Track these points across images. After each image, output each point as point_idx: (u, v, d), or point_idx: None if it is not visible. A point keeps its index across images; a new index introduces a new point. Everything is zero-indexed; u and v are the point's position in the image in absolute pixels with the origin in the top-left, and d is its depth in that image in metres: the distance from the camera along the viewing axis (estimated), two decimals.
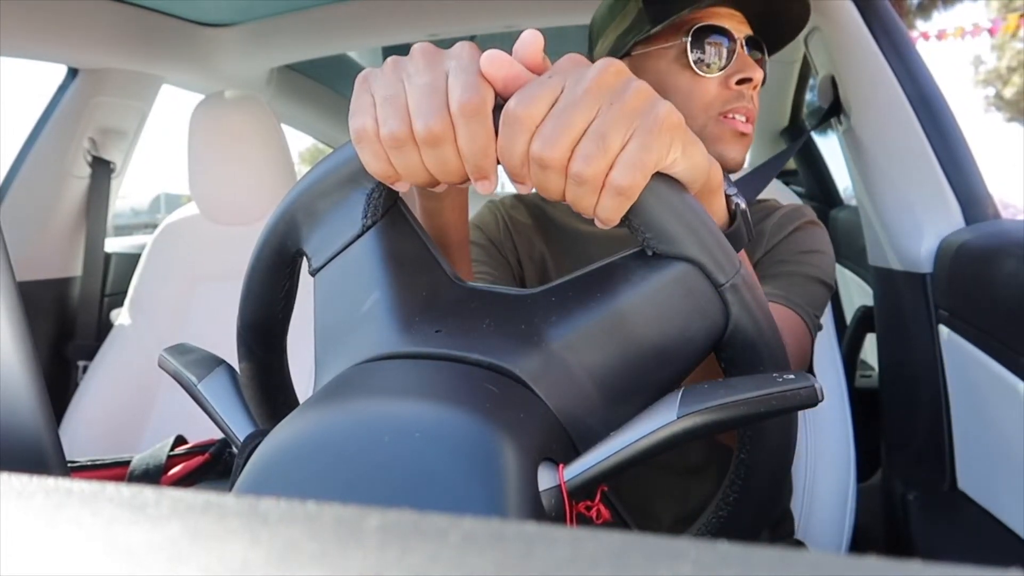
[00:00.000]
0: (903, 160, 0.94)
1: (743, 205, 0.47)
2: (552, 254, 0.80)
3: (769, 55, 0.75)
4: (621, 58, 0.74)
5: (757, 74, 0.69)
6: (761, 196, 0.89)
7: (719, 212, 0.45)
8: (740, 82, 0.69)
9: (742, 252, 0.47)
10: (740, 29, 0.71)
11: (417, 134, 0.35)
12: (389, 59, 0.38)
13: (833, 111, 1.08)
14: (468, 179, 0.37)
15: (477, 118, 0.34)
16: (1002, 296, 0.73)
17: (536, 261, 0.81)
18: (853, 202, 1.42)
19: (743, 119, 0.70)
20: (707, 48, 0.69)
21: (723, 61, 0.69)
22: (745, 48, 0.71)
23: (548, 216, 0.83)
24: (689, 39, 0.69)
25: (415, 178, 0.37)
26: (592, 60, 0.64)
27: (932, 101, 0.93)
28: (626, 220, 0.37)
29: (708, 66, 0.69)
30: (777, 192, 1.10)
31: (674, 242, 0.37)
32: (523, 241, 0.81)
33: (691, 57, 0.69)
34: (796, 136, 1.83)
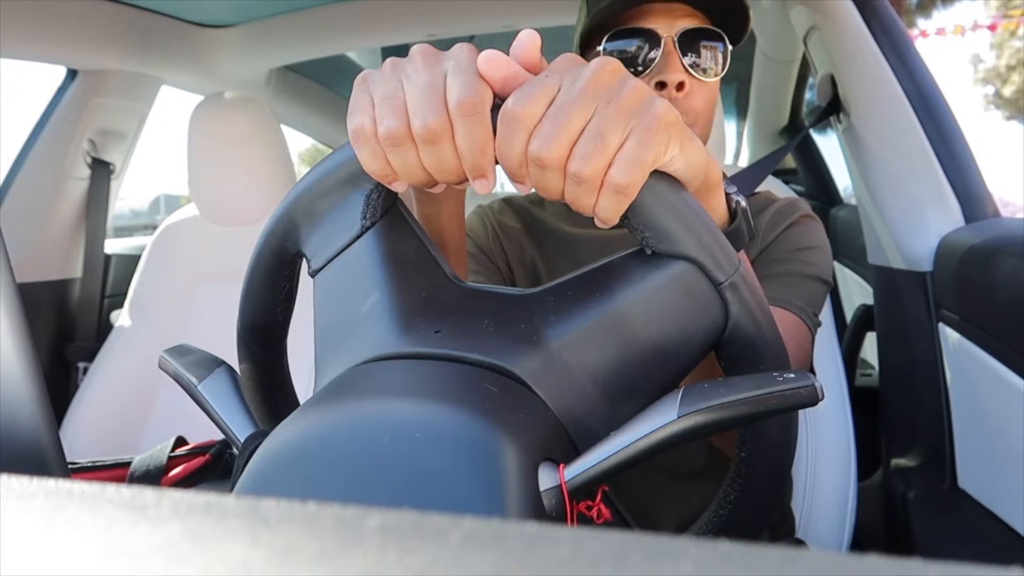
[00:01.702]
0: (903, 158, 0.94)
1: (743, 203, 0.47)
2: (542, 257, 0.79)
3: (735, 44, 0.68)
4: None
5: (672, 77, 0.63)
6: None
7: (719, 210, 0.45)
8: (659, 86, 0.64)
9: (741, 251, 0.47)
10: (674, 25, 0.64)
11: (415, 132, 0.35)
12: (388, 60, 0.38)
13: (832, 109, 1.08)
14: (466, 178, 0.37)
15: (475, 116, 0.34)
16: (1002, 294, 0.73)
17: (527, 265, 0.80)
18: (853, 201, 1.42)
19: None
20: (625, 55, 0.64)
21: (643, 66, 0.64)
22: (677, 46, 0.64)
23: (537, 219, 0.81)
24: (603, 47, 0.64)
25: (412, 177, 0.37)
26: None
27: (931, 99, 0.93)
28: (625, 219, 0.37)
29: None
30: (776, 191, 1.09)
31: (673, 241, 0.37)
32: (512, 246, 0.81)
33: None
34: (796, 135, 1.83)
